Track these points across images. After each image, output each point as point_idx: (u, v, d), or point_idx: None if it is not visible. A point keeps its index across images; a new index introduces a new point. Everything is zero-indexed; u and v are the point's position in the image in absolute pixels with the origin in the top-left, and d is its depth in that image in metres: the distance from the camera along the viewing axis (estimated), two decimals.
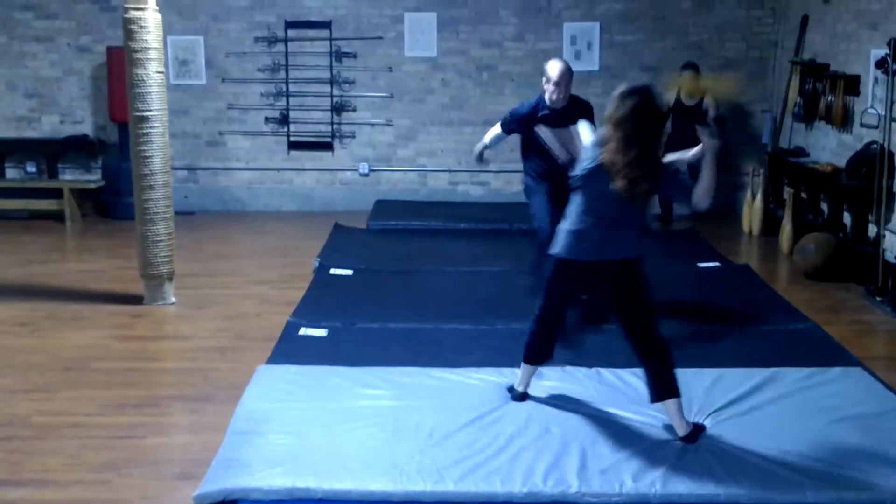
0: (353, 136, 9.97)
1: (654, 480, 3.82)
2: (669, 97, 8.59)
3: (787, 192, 8.41)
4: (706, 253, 8.05)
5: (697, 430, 4.24)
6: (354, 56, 9.82)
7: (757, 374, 4.98)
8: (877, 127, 7.10)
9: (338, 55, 9.80)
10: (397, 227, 8.79)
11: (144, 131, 6.28)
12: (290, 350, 5.50)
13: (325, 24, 9.76)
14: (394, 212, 9.30)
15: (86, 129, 9.93)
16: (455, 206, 9.64)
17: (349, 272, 7.27)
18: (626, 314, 4.30)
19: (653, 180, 4.10)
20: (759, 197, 8.92)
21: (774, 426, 4.37)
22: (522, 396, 4.65)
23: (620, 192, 4.05)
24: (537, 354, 4.58)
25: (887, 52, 6.50)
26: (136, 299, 6.57)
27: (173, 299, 6.59)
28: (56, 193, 9.42)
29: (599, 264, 4.23)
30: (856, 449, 4.11)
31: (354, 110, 9.93)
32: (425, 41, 9.79)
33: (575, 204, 4.29)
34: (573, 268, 4.29)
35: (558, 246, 4.31)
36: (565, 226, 4.31)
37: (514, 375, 4.77)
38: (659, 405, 4.27)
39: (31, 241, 8.65)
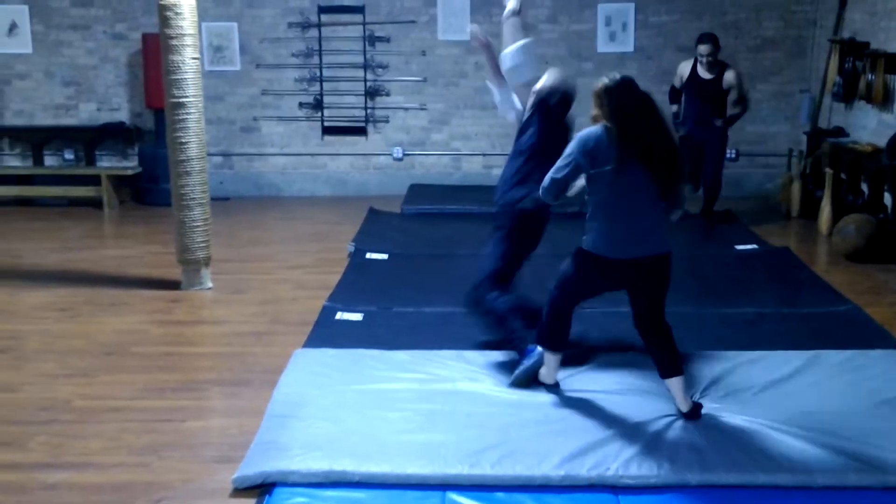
0: (387, 121, 9.96)
1: (692, 464, 3.79)
2: (684, 70, 8.27)
3: (827, 173, 8.29)
4: (744, 236, 7.96)
5: (698, 408, 4.26)
6: (388, 40, 9.80)
7: (797, 357, 4.92)
8: None
9: (371, 39, 9.78)
10: (432, 211, 8.78)
11: (180, 117, 6.31)
12: (326, 334, 5.51)
13: (359, 9, 9.75)
14: (428, 196, 9.29)
15: (122, 116, 10.01)
16: (489, 190, 9.42)
17: (384, 256, 7.28)
18: (647, 306, 4.27)
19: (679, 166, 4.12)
20: (797, 178, 8.80)
21: (815, 409, 4.32)
22: (556, 386, 4.59)
23: (653, 183, 4.05)
24: (559, 341, 4.51)
25: None
26: (173, 284, 6.62)
27: (210, 284, 6.63)
28: (94, 180, 9.51)
29: (636, 261, 4.16)
30: None
31: (388, 95, 9.92)
32: (458, 24, 9.74)
33: (602, 203, 4.17)
34: (605, 265, 4.21)
35: (590, 242, 4.22)
36: (595, 224, 4.21)
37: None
38: (665, 383, 4.32)
39: (69, 227, 8.75)
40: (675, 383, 4.26)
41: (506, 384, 4.62)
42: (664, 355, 4.28)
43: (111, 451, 4.11)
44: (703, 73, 8.14)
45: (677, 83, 8.40)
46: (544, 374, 4.59)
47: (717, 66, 8.12)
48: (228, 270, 6.99)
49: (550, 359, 4.55)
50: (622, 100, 4.08)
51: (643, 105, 4.10)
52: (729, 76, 8.13)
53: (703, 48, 8.07)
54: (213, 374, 5.06)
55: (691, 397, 4.35)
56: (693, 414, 4.22)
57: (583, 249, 4.25)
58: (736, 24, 9.65)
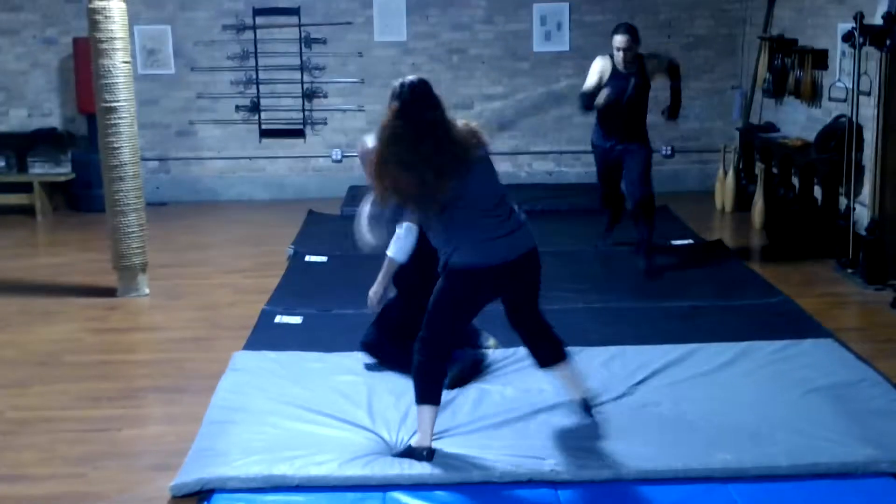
0: (325, 123, 9.92)
1: (630, 456, 3.84)
2: (605, 68, 6.77)
3: (759, 168, 8.45)
4: (680, 230, 8.08)
5: (588, 407, 4.20)
6: (324, 42, 9.76)
7: (730, 349, 5.02)
8: (845, 100, 7.14)
9: (307, 41, 9.74)
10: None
11: (112, 122, 6.22)
12: (265, 338, 5.48)
13: (294, 11, 9.70)
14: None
15: (54, 121, 9.84)
16: None
17: (324, 259, 7.26)
18: (527, 310, 4.09)
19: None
20: (730, 173, 8.96)
21: (749, 398, 4.41)
22: (430, 455, 3.88)
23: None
24: (435, 391, 3.94)
25: (854, 25, 6.53)
26: (109, 292, 6.53)
27: (147, 290, 6.55)
28: (26, 187, 9.31)
29: (508, 265, 3.86)
30: (828, 418, 4.16)
31: (326, 96, 9.88)
32: (395, 25, 9.75)
33: (449, 223, 3.82)
34: (479, 276, 3.84)
35: (461, 259, 3.82)
36: (456, 242, 3.83)
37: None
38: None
39: (1, 236, 8.57)
40: (563, 369, 4.18)
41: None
42: (547, 346, 4.14)
43: (44, 463, 4.04)
44: (622, 68, 6.76)
45: (593, 84, 6.79)
46: (419, 438, 3.94)
47: (636, 63, 6.82)
48: (166, 276, 6.91)
49: (428, 412, 3.92)
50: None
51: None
52: (653, 67, 6.96)
53: (620, 39, 6.72)
54: (150, 381, 5.01)
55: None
56: (588, 408, 4.18)
57: (454, 270, 3.85)
58: (669, 22, 9.80)
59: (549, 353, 4.17)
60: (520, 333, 4.20)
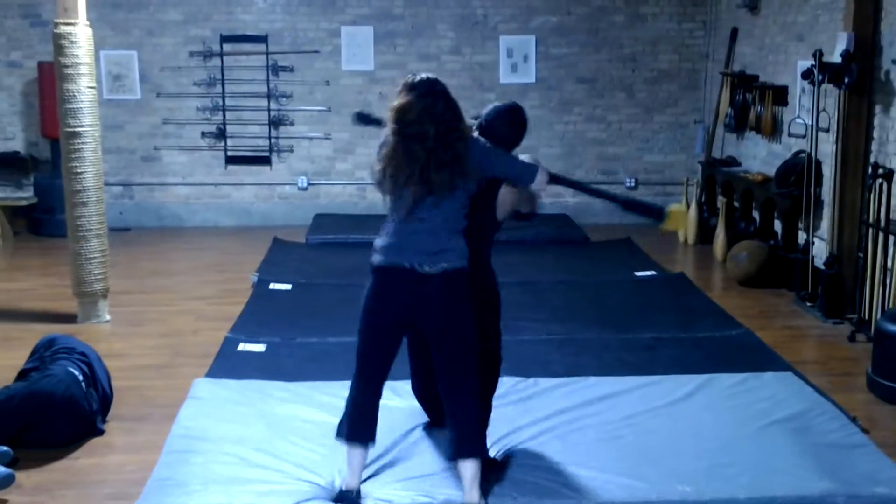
0: (291, 150, 9.93)
1: (587, 487, 3.85)
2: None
3: (721, 201, 8.57)
4: (643, 262, 8.17)
5: None
6: (291, 70, 9.79)
7: (692, 381, 5.06)
8: (804, 136, 7.28)
9: (274, 69, 9.76)
10: (336, 240, 8.76)
11: (76, 147, 6.19)
12: (227, 366, 5.45)
13: (262, 39, 9.72)
14: (333, 226, 9.27)
15: (17, 145, 9.76)
16: None
17: (288, 287, 7.23)
18: (438, 365, 3.71)
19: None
20: (693, 206, 9.08)
21: (709, 430, 4.45)
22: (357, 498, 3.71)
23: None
24: (366, 429, 3.77)
25: (813, 63, 6.67)
26: (69, 318, 6.46)
27: (107, 317, 6.49)
28: None
29: (408, 274, 3.61)
30: (786, 451, 4.20)
31: (292, 124, 9.89)
32: (362, 55, 9.81)
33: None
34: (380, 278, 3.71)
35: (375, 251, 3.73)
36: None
37: None
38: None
39: None
40: (469, 467, 3.66)
41: (404, 415, 4.58)
42: (465, 428, 3.67)
43: (2, 492, 3.97)
44: None
45: None
46: (347, 478, 3.78)
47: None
48: (127, 303, 6.85)
49: (357, 453, 3.78)
50: None
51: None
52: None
53: None
54: (110, 409, 4.94)
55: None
56: None
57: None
58: (633, 56, 9.94)
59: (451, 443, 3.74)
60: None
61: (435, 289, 3.61)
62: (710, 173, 9.15)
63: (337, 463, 4.07)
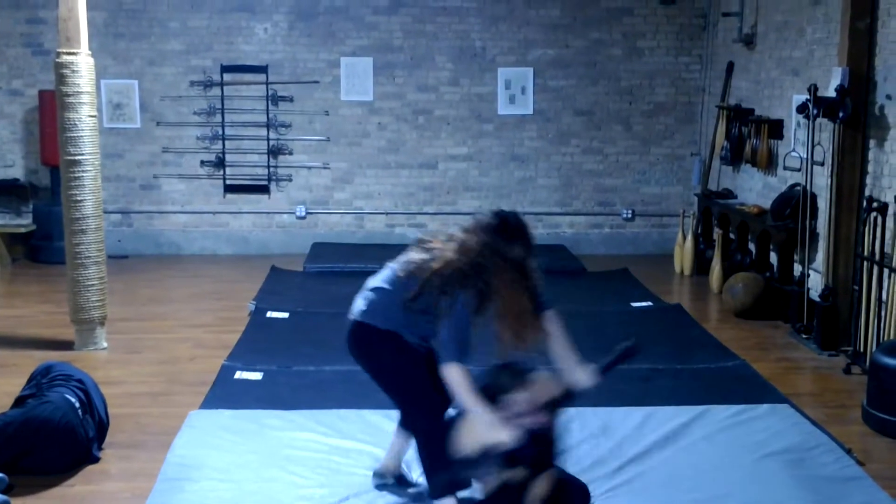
0: (290, 179, 9.97)
1: None
2: None
3: (717, 233, 8.61)
4: (639, 293, 8.19)
5: None
6: (291, 100, 9.85)
7: (687, 412, 5.07)
8: (799, 169, 7.33)
9: (274, 99, 9.83)
10: (334, 269, 8.78)
11: (76, 175, 6.23)
12: (224, 394, 5.45)
13: (262, 69, 9.80)
14: (330, 254, 9.30)
15: (17, 172, 9.79)
16: (392, 249, 9.47)
17: (285, 315, 7.25)
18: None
19: None
20: (689, 238, 9.12)
21: (705, 462, 4.46)
22: None
23: None
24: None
25: (808, 97, 6.74)
26: (66, 345, 6.46)
27: (105, 344, 6.50)
28: None
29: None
30: (782, 483, 4.21)
31: (291, 153, 9.94)
32: (361, 85, 9.88)
33: None
34: None
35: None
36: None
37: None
38: None
39: None
40: None
41: None
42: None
43: None
44: None
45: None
46: None
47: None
48: (125, 330, 6.86)
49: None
50: None
51: None
52: None
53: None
54: (106, 436, 4.94)
55: None
56: None
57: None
58: (630, 89, 10.02)
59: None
60: None
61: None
62: (707, 205, 9.20)
63: (332, 493, 4.08)
